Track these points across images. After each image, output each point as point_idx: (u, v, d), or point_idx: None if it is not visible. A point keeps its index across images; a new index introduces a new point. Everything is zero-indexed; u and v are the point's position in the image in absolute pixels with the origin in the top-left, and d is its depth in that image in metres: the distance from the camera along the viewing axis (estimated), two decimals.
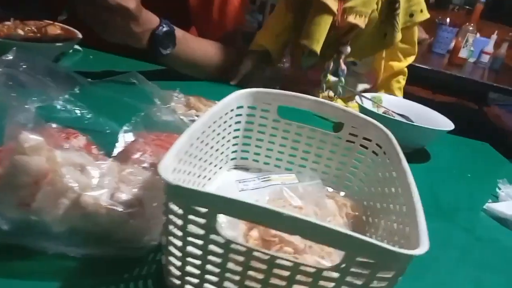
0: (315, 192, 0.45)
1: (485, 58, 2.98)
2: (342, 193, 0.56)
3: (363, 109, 0.82)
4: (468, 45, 2.69)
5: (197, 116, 0.68)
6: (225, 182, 0.50)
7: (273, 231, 0.38)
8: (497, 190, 0.72)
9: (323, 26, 0.87)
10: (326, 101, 0.56)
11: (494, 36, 3.00)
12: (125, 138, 0.43)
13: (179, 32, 0.83)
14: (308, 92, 0.96)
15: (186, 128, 0.42)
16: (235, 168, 0.59)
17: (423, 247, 0.30)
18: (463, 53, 2.72)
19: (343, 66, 0.93)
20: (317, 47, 0.87)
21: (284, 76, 1.05)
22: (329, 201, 0.46)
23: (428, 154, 0.84)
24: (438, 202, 0.66)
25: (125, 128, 0.43)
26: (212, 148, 0.50)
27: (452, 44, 2.87)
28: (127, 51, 0.84)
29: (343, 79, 0.94)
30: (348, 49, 0.92)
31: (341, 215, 0.47)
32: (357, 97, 0.86)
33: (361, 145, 0.56)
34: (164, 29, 0.78)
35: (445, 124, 0.82)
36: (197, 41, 0.90)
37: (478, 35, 2.91)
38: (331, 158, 0.58)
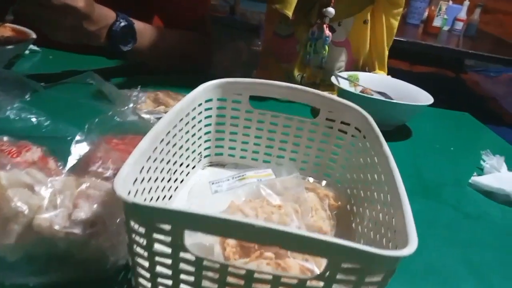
0: (293, 186, 0.43)
1: (459, 25, 2.98)
2: (324, 182, 0.54)
3: (340, 90, 0.79)
4: (441, 13, 2.68)
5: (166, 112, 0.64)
6: (198, 185, 0.47)
7: None
8: (482, 162, 0.70)
9: None
10: (299, 86, 0.53)
11: (467, 2, 2.99)
12: (77, 149, 0.39)
13: (139, 25, 0.78)
14: (286, 64, 0.91)
15: (150, 127, 0.39)
16: (210, 166, 0.55)
17: (412, 245, 0.27)
18: (437, 22, 2.72)
19: (328, 32, 0.84)
20: (290, 10, 0.78)
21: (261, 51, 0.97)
22: (309, 194, 0.44)
23: (409, 130, 0.82)
24: (422, 180, 0.64)
25: (77, 137, 0.39)
26: (181, 148, 0.47)
27: (426, 14, 2.86)
28: (89, 48, 0.79)
29: (327, 48, 0.86)
30: (333, 11, 0.82)
31: (324, 207, 0.44)
32: (332, 77, 0.83)
33: (340, 130, 0.53)
34: (122, 24, 0.72)
35: (425, 98, 0.79)
36: (160, 32, 0.85)
37: (450, 2, 2.90)
38: (310, 146, 0.55)
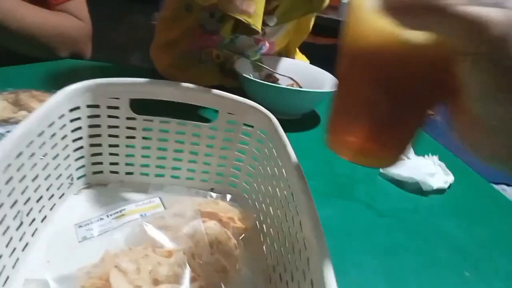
0: (188, 218, 0.34)
1: None
2: (229, 197, 0.46)
3: (243, 78, 0.70)
4: None
5: None
6: (61, 228, 0.36)
7: None
8: None
9: None
10: (192, 85, 0.44)
11: None
12: None
13: None
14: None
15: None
16: (87, 187, 0.45)
17: None
18: None
19: (267, 43, 0.75)
20: (260, 25, 0.64)
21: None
22: (209, 224, 0.36)
23: (317, 116, 0.78)
24: (335, 176, 0.60)
25: None
26: (37, 177, 0.35)
27: None
28: None
29: (259, 56, 0.77)
30: (275, 19, 0.73)
31: (228, 236, 0.36)
32: (235, 64, 0.74)
33: (243, 134, 0.46)
34: None
35: (332, 82, 0.75)
36: (29, 9, 0.69)
37: None
38: (210, 154, 0.47)
